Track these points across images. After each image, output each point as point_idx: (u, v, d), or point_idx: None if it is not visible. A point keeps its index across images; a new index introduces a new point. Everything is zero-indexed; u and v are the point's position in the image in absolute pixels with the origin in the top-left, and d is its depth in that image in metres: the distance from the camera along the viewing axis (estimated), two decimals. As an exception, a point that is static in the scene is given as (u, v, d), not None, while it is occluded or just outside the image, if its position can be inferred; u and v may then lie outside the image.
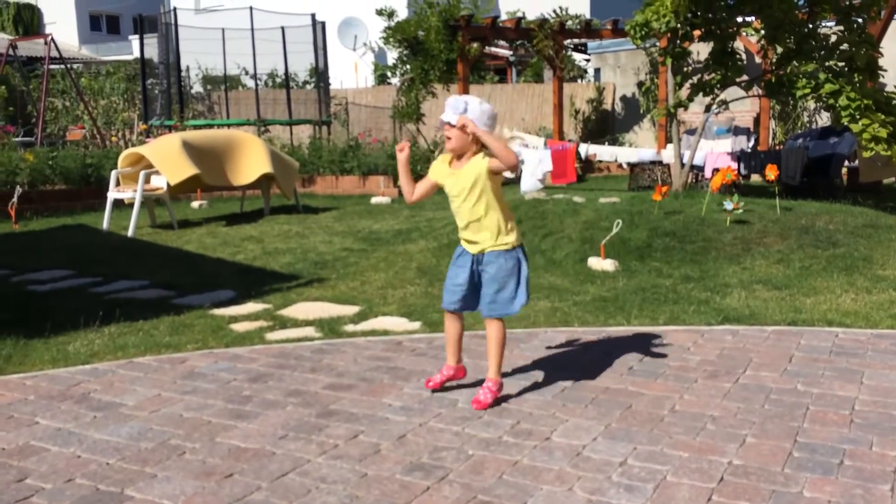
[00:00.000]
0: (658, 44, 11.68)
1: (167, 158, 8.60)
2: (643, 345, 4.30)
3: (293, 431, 3.21)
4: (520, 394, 3.58)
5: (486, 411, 3.38)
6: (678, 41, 8.77)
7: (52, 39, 14.23)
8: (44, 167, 10.28)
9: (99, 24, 31.12)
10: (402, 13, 17.05)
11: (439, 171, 3.51)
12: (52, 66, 14.50)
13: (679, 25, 8.39)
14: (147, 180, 8.72)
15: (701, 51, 10.49)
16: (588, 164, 14.51)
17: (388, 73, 16.45)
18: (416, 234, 8.02)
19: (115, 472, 2.85)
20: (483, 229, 3.43)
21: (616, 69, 17.18)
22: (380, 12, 14.24)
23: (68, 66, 15.87)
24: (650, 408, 3.38)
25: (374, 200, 11.10)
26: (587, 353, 4.17)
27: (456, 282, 3.50)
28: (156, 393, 3.69)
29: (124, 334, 4.65)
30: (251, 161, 9.36)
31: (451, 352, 3.65)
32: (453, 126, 3.32)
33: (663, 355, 4.11)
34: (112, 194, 8.92)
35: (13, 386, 3.80)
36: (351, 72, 22.17)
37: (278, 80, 18.15)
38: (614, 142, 15.84)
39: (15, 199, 9.10)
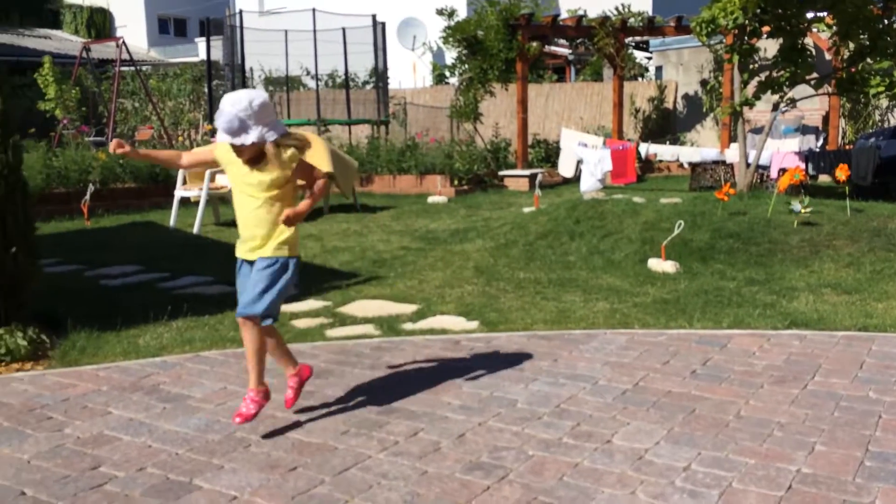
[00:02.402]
0: (724, 40, 11.44)
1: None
2: (706, 348, 4.21)
3: (354, 427, 3.25)
4: (579, 395, 3.56)
5: (545, 412, 3.36)
6: (745, 37, 8.57)
7: (124, 42, 14.70)
8: (114, 166, 10.64)
9: (167, 27, 32.04)
10: (462, 13, 17.06)
11: (226, 153, 3.19)
12: (122, 68, 14.98)
13: (747, 21, 8.20)
14: (212, 179, 8.94)
15: (768, 47, 10.22)
16: (647, 164, 14.29)
17: (447, 73, 16.48)
18: (473, 234, 8.03)
19: (184, 463, 2.94)
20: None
21: (678, 67, 16.87)
22: (440, 12, 14.25)
23: (138, 67, 16.38)
24: (714, 412, 3.32)
25: (430, 199, 11.15)
26: (648, 356, 4.11)
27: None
28: (221, 386, 3.78)
29: (191, 328, 4.77)
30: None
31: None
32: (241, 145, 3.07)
33: (727, 359, 4.02)
34: (179, 192, 9.18)
35: (87, 377, 3.95)
36: (409, 72, 22.30)
37: (338, 80, 18.38)
38: (675, 141, 15.56)
39: (87, 197, 9.45)
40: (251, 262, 3.22)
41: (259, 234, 3.19)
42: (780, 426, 3.17)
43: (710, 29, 8.42)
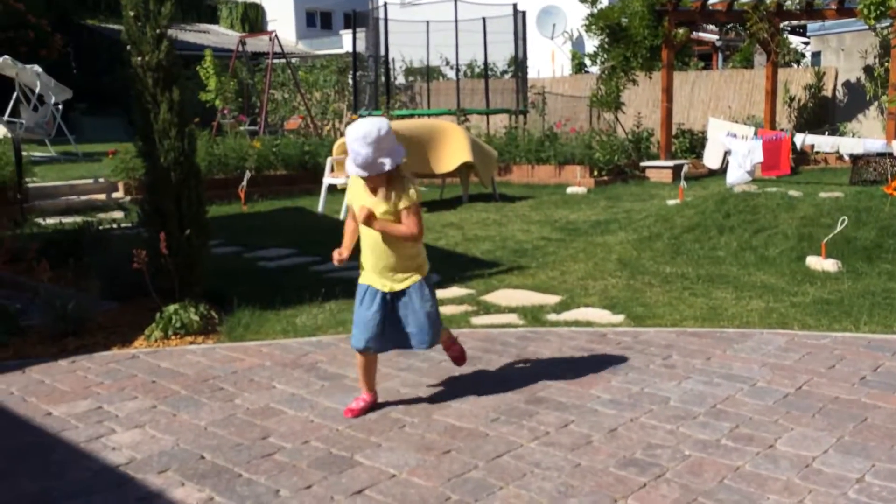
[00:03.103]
0: (894, 23, 10.58)
1: (377, 147, 9.07)
2: (877, 354, 3.94)
3: (504, 415, 3.29)
4: (737, 397, 3.43)
5: (700, 412, 3.27)
6: (921, 19, 7.90)
7: (276, 36, 15.45)
8: (268, 154, 11.23)
9: (314, 21, 33.40)
10: (605, -1, 16.69)
11: (354, 191, 3.37)
12: (274, 61, 15.76)
13: (924, 2, 7.55)
14: (358, 167, 9.25)
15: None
16: (801, 156, 13.45)
17: (587, 62, 16.19)
18: (615, 226, 7.88)
19: (345, 439, 3.08)
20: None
21: (839, 52, 15.74)
22: (583, -1, 14.02)
23: (288, 60, 17.18)
24: (889, 423, 3.10)
25: (569, 190, 11.04)
26: (811, 359, 3.89)
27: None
28: (375, 368, 3.92)
29: (343, 311, 4.97)
30: (453, 150, 9.64)
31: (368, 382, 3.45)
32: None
33: (901, 367, 3.75)
34: (327, 180, 9.57)
35: (252, 352, 4.21)
36: (547, 61, 22.10)
37: (477, 70, 18.49)
38: (834, 131, 14.55)
39: (244, 183, 10.04)
40: (392, 294, 3.28)
41: (393, 261, 3.28)
42: (966, 442, 2.92)
43: (879, 11, 7.85)
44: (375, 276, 3.31)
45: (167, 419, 3.31)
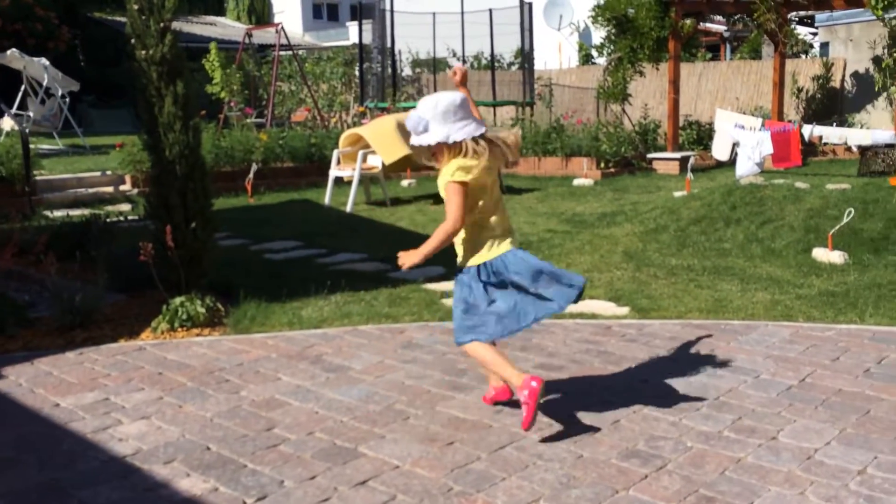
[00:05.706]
0: (903, 13, 10.49)
1: (383, 139, 9.08)
2: (881, 346, 3.93)
3: (508, 407, 3.30)
4: (740, 389, 3.43)
5: (703, 404, 3.27)
6: (930, 10, 7.84)
7: (282, 28, 15.44)
8: (275, 146, 11.24)
9: (320, 12, 33.36)
10: (611, -10, 16.58)
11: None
12: (280, 53, 15.75)
13: (933, -8, 7.49)
14: (364, 160, 9.27)
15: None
16: (810, 148, 13.39)
17: (594, 53, 16.12)
18: (621, 218, 7.87)
19: (349, 430, 3.10)
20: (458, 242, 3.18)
21: (847, 43, 15.64)
22: (589, -10, 13.98)
23: (294, 52, 17.16)
24: (892, 415, 3.10)
25: (576, 182, 11.02)
26: (815, 351, 3.89)
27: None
28: (379, 360, 3.95)
29: (349, 303, 5.00)
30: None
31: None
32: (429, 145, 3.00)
33: (906, 359, 3.74)
34: (333, 172, 9.59)
35: (258, 344, 4.24)
36: (554, 52, 22.02)
37: (484, 61, 18.45)
38: (843, 122, 14.47)
39: (251, 176, 10.06)
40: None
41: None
42: (969, 435, 2.92)
43: (886, 2, 7.79)
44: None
45: (173, 410, 3.34)
